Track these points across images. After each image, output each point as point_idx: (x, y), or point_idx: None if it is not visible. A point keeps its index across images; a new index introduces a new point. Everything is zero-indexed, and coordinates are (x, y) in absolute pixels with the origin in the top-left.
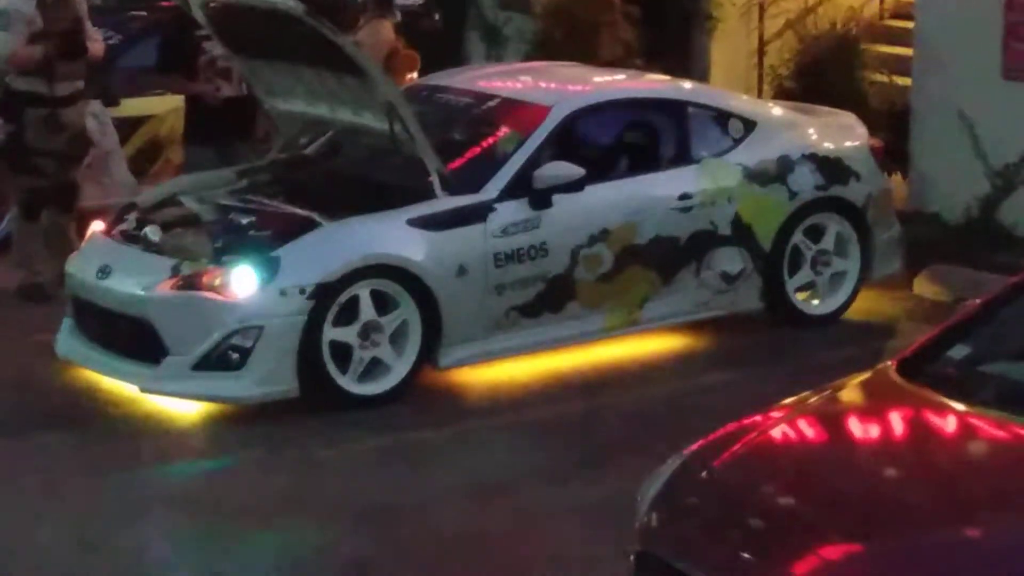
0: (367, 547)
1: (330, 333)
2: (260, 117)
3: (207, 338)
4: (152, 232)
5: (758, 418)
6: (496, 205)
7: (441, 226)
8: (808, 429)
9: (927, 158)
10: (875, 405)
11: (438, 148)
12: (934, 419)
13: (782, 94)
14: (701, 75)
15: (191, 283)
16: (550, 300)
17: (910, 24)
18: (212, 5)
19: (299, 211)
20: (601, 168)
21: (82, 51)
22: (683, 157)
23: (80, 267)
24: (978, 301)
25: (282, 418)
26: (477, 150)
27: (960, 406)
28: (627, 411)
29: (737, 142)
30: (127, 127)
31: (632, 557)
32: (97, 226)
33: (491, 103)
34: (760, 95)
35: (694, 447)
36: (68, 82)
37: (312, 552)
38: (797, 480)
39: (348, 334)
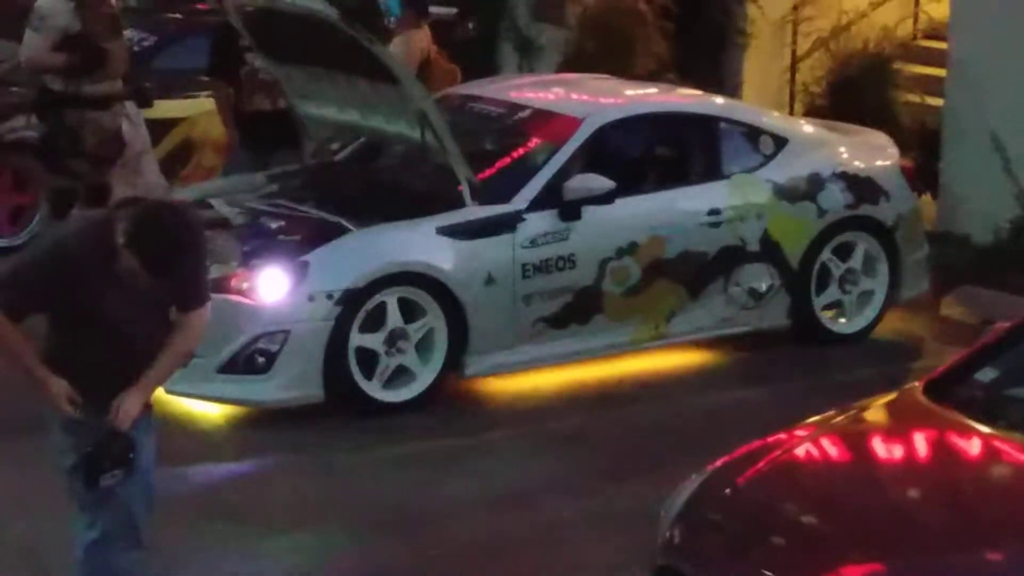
0: (388, 554)
1: (356, 339)
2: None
3: (234, 341)
4: None
5: (783, 436)
6: (526, 215)
7: (470, 235)
8: (832, 448)
9: (958, 179)
10: (901, 426)
11: (469, 157)
12: (959, 441)
13: (814, 112)
14: (733, 91)
15: (219, 286)
16: (577, 312)
17: (944, 45)
18: (247, 9)
19: (328, 217)
20: (631, 181)
21: (104, 63)
22: (713, 172)
23: None
24: (1007, 324)
25: (306, 423)
26: (508, 160)
27: (986, 429)
28: (651, 425)
29: (768, 159)
30: (159, 129)
31: (654, 571)
32: None
33: (523, 114)
34: (792, 112)
35: (718, 463)
36: (99, 84)
37: (332, 558)
38: (820, 499)
39: (374, 340)
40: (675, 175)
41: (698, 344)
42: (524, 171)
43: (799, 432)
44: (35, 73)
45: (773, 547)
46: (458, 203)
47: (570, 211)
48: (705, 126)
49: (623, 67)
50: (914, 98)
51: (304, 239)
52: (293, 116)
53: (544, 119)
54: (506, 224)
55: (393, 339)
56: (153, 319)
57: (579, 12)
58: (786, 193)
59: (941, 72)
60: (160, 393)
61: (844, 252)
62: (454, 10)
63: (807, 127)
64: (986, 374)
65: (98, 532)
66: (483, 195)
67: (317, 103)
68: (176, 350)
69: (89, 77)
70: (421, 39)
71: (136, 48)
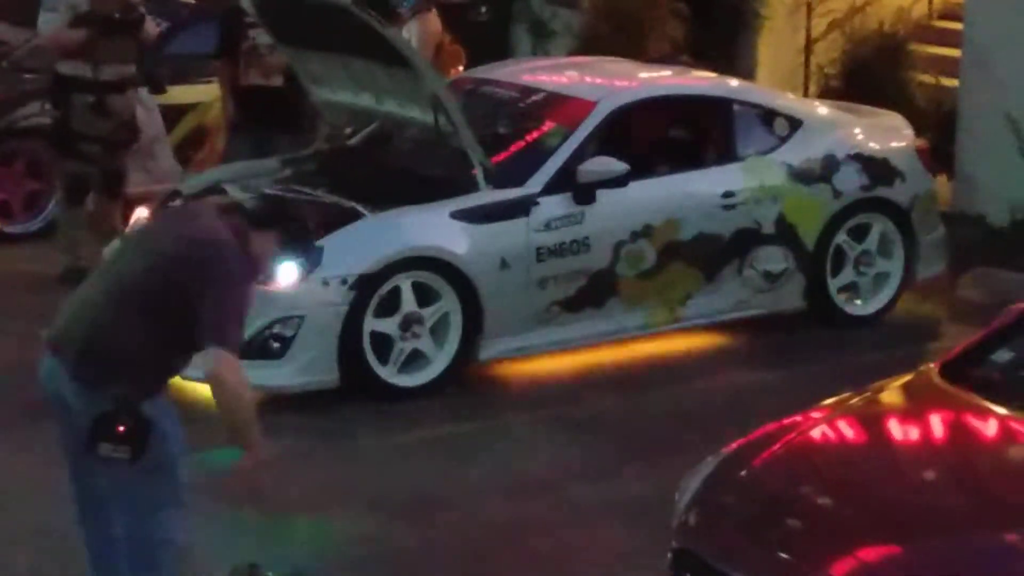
0: (404, 539)
1: (371, 324)
2: (305, 108)
3: (248, 326)
4: None
5: (798, 418)
6: (540, 199)
7: (484, 219)
8: (848, 430)
9: (973, 160)
10: (917, 407)
11: (483, 141)
12: (976, 422)
13: (829, 93)
14: (748, 73)
15: None
16: (592, 295)
17: (959, 25)
18: None
19: (343, 202)
20: (645, 164)
21: (128, 34)
22: (728, 155)
23: None
24: (1023, 305)
25: (321, 408)
26: (522, 144)
27: (1002, 410)
28: (667, 408)
29: (782, 141)
30: (173, 114)
31: (670, 554)
32: (142, 213)
33: (536, 97)
34: (806, 94)
35: (733, 446)
36: (113, 66)
37: (349, 543)
38: (836, 481)
39: (389, 325)
40: (689, 158)
41: (713, 327)
42: (538, 154)
43: (815, 414)
44: (56, 53)
45: (789, 529)
46: (472, 187)
47: (584, 194)
48: (719, 108)
49: (637, 50)
50: (929, 79)
51: (318, 224)
52: (289, 97)
53: (558, 102)
54: (520, 208)
55: (408, 323)
56: None
57: None
58: (801, 175)
59: (956, 53)
60: (175, 379)
61: (859, 234)
62: None
63: (822, 109)
64: (1002, 355)
65: (143, 505)
66: (497, 179)
67: (331, 88)
68: None
69: (105, 58)
70: (436, 22)
71: None
